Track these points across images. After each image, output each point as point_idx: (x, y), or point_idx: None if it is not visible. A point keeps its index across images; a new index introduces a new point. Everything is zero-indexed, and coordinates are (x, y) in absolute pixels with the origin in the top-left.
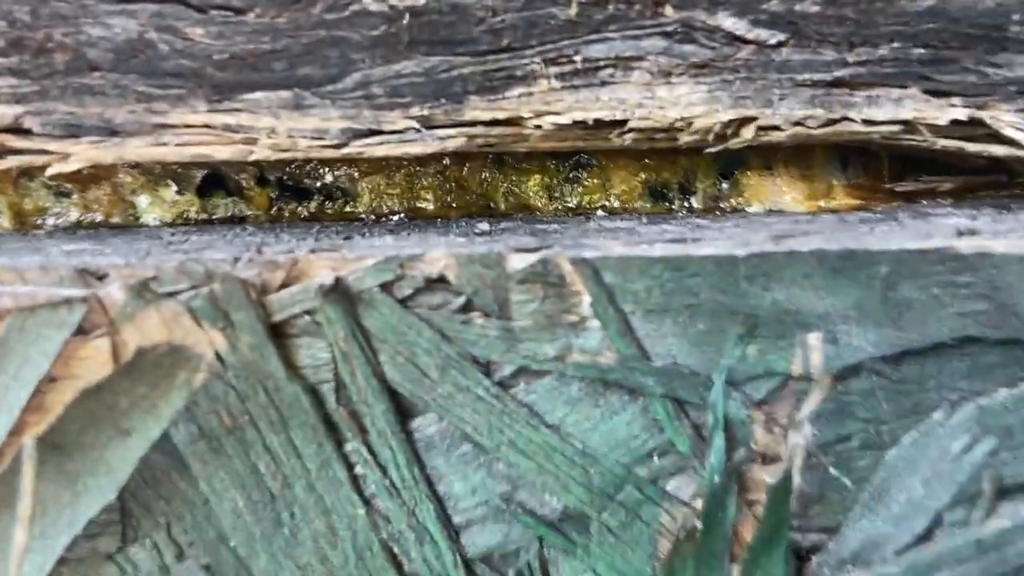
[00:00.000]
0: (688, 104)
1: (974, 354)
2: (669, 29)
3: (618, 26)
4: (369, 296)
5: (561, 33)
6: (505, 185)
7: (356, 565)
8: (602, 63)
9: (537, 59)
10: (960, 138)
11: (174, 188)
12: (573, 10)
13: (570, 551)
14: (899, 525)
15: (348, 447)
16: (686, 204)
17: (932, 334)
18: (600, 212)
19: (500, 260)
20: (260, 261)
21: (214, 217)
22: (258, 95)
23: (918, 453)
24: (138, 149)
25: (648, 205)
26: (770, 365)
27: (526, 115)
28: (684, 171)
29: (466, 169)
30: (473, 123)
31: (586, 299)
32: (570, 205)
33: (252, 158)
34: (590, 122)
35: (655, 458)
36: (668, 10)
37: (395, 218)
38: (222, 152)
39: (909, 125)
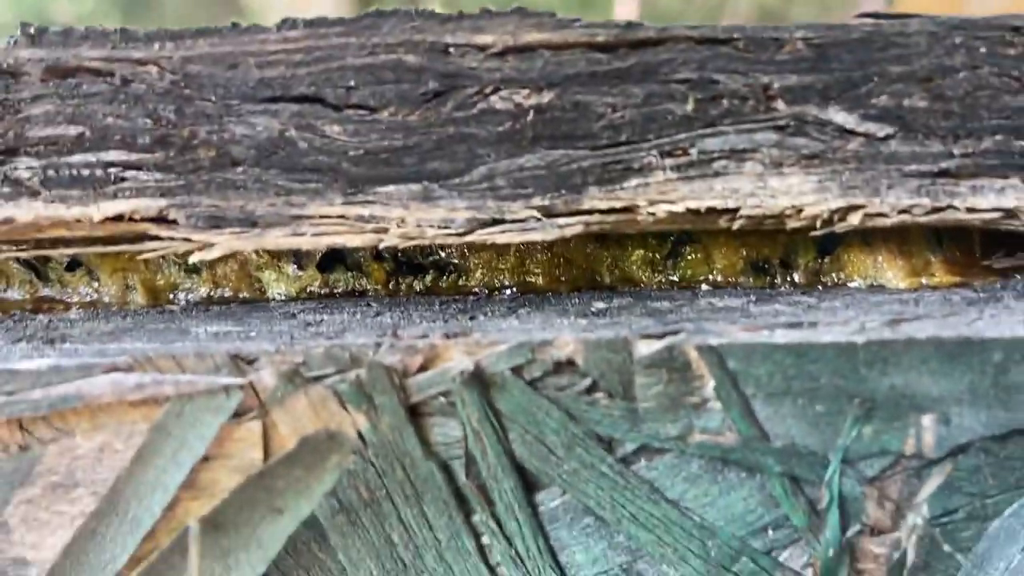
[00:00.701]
0: (799, 193)
1: None
2: (781, 123)
3: (732, 120)
4: (501, 379)
5: (677, 127)
6: (608, 259)
7: None
8: (716, 155)
9: (654, 152)
10: None
11: (294, 264)
12: (690, 106)
13: None
14: None
15: (476, 519)
16: (788, 279)
17: None
18: (704, 287)
19: (627, 345)
20: (400, 346)
21: (335, 291)
22: (390, 188)
23: (1019, 523)
24: (277, 239)
25: (751, 280)
26: (884, 445)
27: (641, 204)
28: (784, 247)
29: (572, 245)
30: (591, 211)
31: (710, 383)
32: (673, 279)
33: (383, 246)
34: (702, 209)
35: (770, 531)
36: (780, 104)
37: (507, 292)
38: (354, 240)
39: (1010, 212)
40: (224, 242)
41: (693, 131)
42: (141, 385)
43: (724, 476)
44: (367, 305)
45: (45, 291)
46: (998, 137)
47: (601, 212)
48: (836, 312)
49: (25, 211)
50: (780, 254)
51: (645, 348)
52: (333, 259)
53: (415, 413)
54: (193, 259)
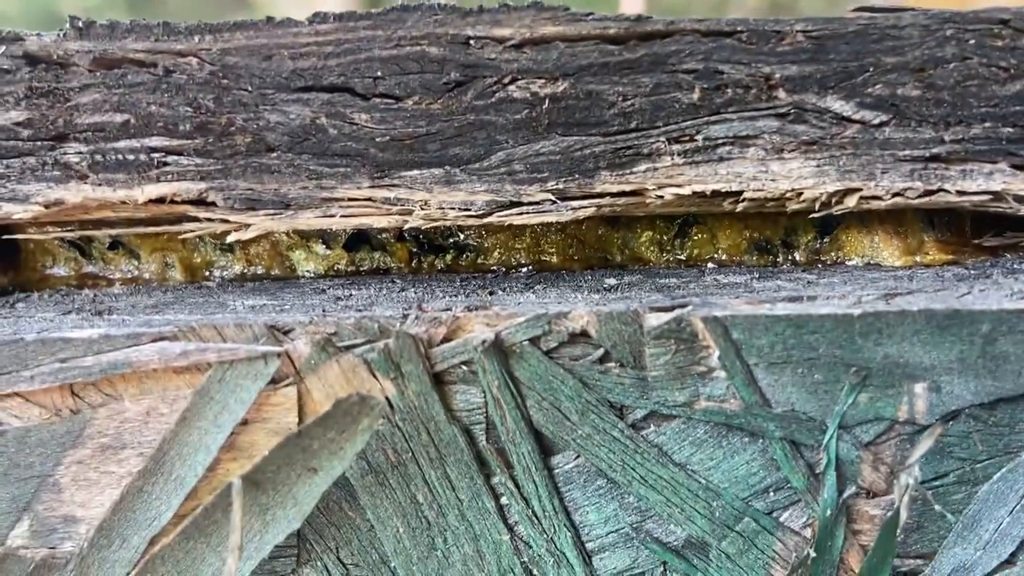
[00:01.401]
0: (799, 177)
1: None
2: (782, 111)
3: (736, 108)
4: (520, 349)
5: (684, 115)
6: (619, 240)
7: None
8: (721, 141)
9: (662, 138)
10: None
11: (323, 244)
12: (696, 95)
13: (691, 575)
14: (987, 551)
15: (495, 480)
16: (790, 258)
17: None
18: (710, 265)
19: (637, 318)
20: (425, 319)
21: (361, 269)
22: (414, 172)
23: (1007, 487)
24: (308, 220)
25: (754, 258)
26: (879, 411)
27: (650, 187)
28: (785, 228)
29: (584, 226)
30: (602, 195)
31: (715, 353)
32: (680, 258)
33: (407, 227)
34: (708, 192)
35: (771, 493)
36: (781, 93)
37: (523, 270)
38: (381, 222)
39: (997, 195)
40: (259, 223)
41: (699, 118)
42: (186, 352)
43: (728, 440)
44: (392, 281)
45: (88, 268)
46: (987, 124)
47: (612, 195)
48: (834, 287)
49: (74, 193)
50: (781, 235)
51: (654, 320)
52: (358, 239)
53: (439, 381)
54: (230, 239)
